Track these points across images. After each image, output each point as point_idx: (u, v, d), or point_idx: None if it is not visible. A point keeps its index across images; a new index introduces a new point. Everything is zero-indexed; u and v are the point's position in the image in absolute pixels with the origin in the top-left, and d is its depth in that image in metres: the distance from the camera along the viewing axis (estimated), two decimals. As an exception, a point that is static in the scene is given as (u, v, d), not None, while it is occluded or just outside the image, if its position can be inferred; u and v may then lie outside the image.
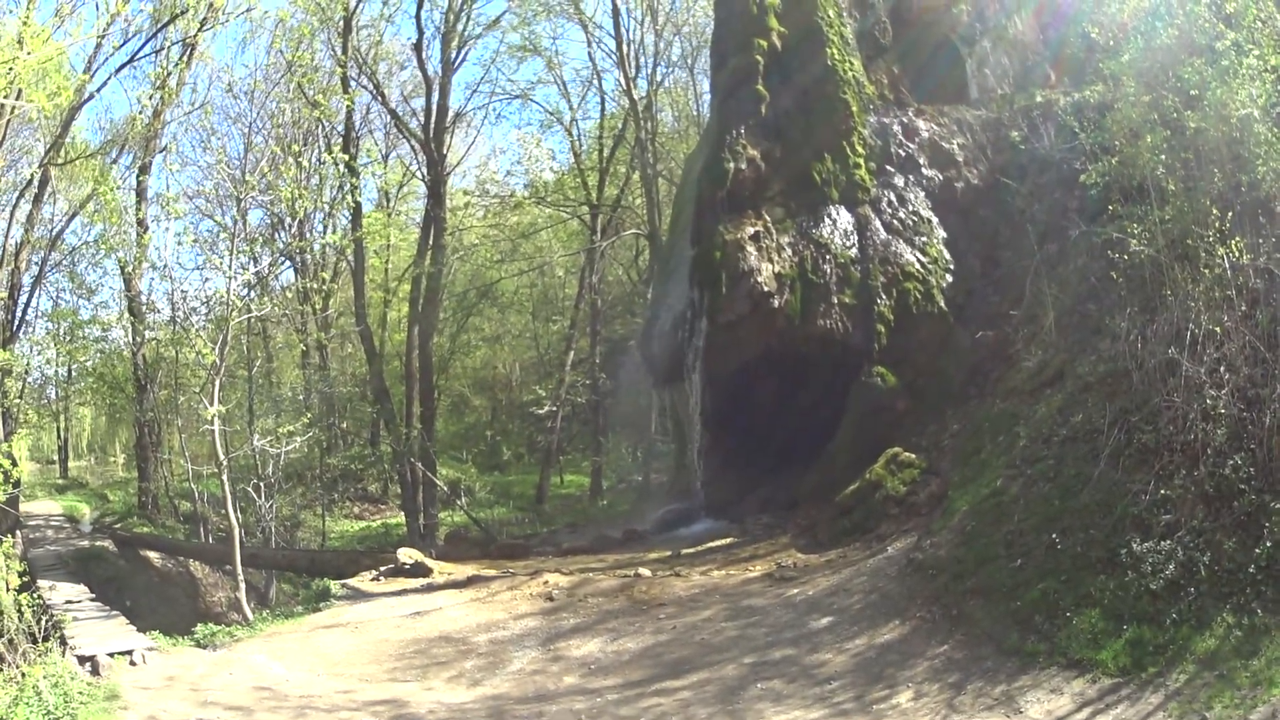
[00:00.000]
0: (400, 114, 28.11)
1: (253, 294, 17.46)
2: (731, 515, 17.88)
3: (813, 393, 17.57)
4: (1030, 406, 13.27)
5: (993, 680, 8.50)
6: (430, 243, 25.48)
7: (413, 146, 28.40)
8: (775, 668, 9.62)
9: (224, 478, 13.91)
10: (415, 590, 13.47)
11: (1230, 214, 10.49)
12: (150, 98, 22.99)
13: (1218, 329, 10.20)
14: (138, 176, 25.06)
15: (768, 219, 18.29)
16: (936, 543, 11.22)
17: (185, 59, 22.72)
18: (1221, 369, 10.14)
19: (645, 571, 14.02)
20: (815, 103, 18.88)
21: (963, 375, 16.63)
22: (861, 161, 18.73)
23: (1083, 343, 13.62)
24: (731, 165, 18.36)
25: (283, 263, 28.08)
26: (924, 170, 19.00)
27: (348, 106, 22.96)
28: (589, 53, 30.85)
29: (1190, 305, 10.73)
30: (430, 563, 14.36)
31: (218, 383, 14.40)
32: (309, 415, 20.51)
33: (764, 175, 18.60)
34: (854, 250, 17.84)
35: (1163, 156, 11.87)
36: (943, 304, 17.26)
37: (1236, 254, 10.23)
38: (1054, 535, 9.84)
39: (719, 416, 18.59)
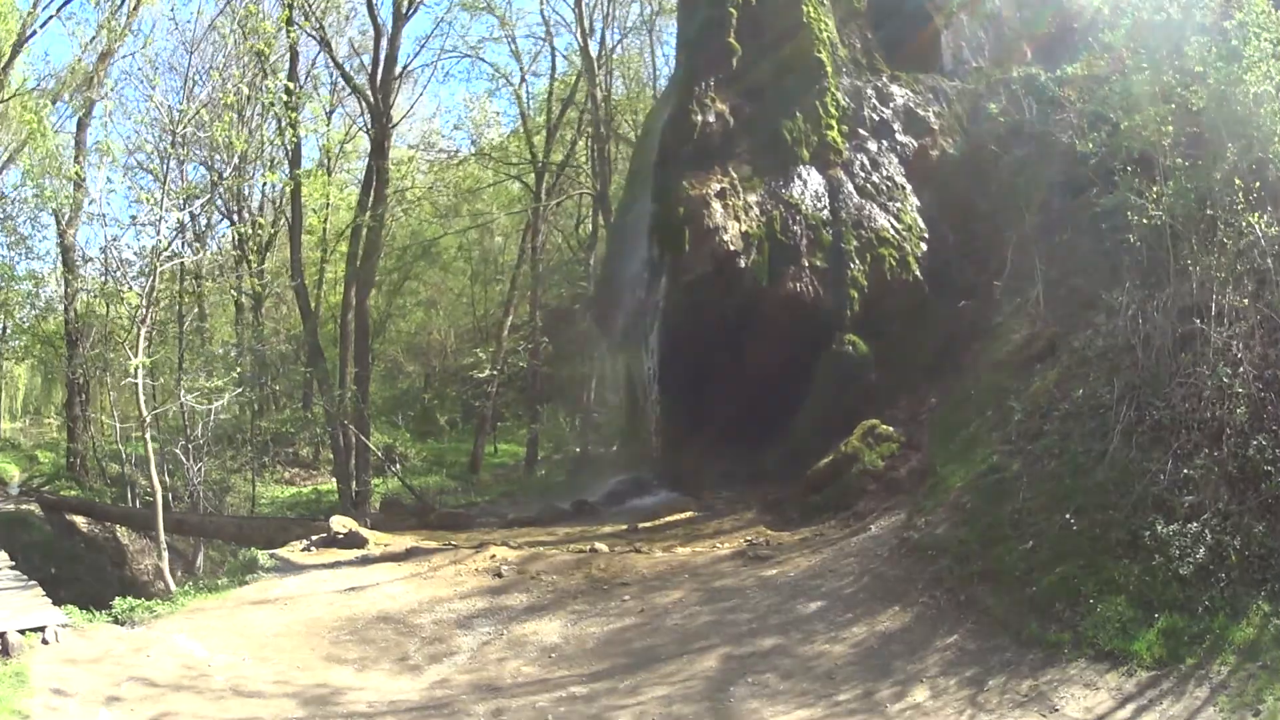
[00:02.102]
0: (346, 69, 26.32)
1: (184, 237, 15.83)
2: (688, 488, 16.84)
3: (778, 360, 16.47)
4: (1020, 381, 12.51)
5: (1016, 674, 7.57)
6: (372, 196, 23.77)
7: (360, 98, 26.40)
8: (765, 660, 8.49)
9: (147, 436, 12.57)
10: (350, 563, 11.97)
11: (1255, 187, 9.81)
12: (93, 39, 20.86)
13: (1241, 303, 9.52)
14: (77, 121, 22.83)
15: (734, 176, 17.17)
16: (932, 521, 10.29)
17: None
18: (1236, 346, 9.47)
19: (602, 546, 12.79)
20: (788, 59, 17.81)
21: (937, 347, 15.88)
22: (834, 123, 17.74)
23: (1073, 317, 12.99)
24: (699, 118, 17.14)
25: (217, 203, 26.08)
26: (898, 136, 18.15)
27: (291, 42, 20.79)
28: (542, 11, 29.07)
29: (1208, 278, 10.06)
30: (365, 532, 12.86)
31: (143, 332, 12.93)
32: (238, 370, 18.90)
33: (732, 131, 17.46)
34: (825, 213, 16.87)
35: (1169, 128, 11.25)
36: (918, 273, 16.42)
37: (1264, 228, 9.52)
38: (1067, 515, 8.99)
39: (676, 382, 17.42)
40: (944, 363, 15.47)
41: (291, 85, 18.22)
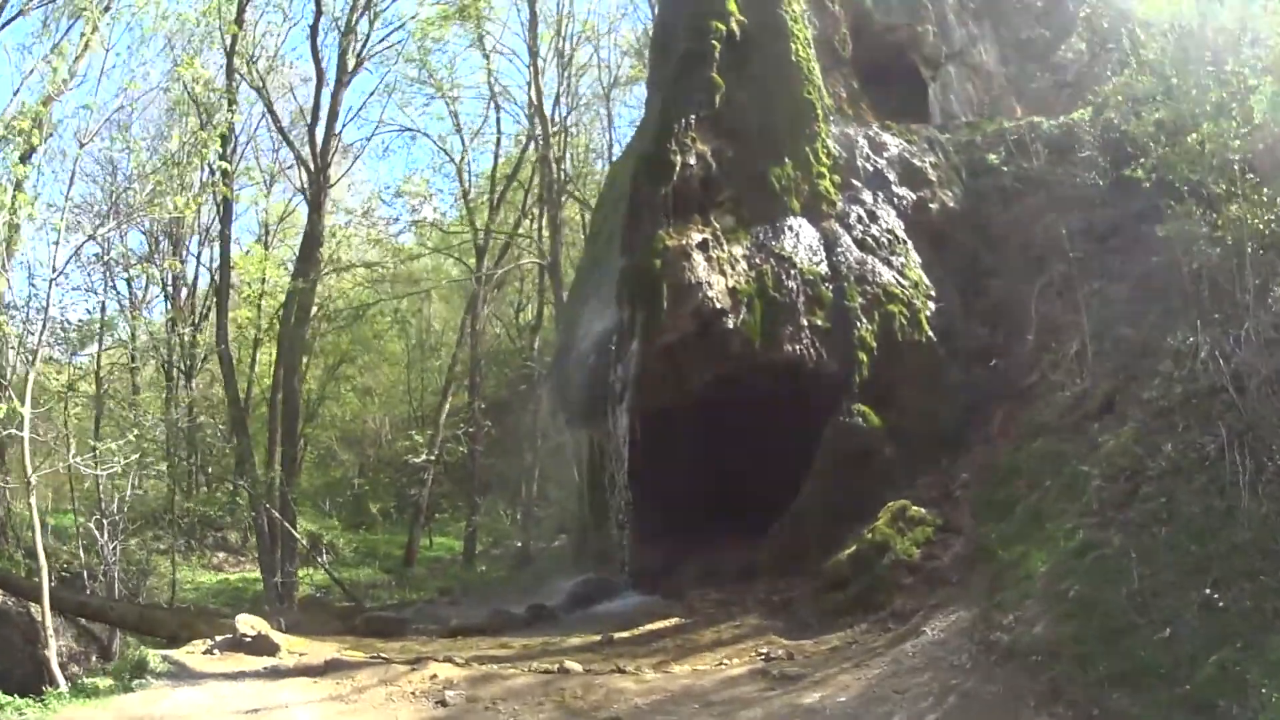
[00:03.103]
0: (289, 136, 26.57)
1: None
2: (665, 589, 14.72)
3: (772, 435, 14.78)
4: (1077, 444, 11.17)
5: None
6: (306, 258, 22.46)
7: (297, 160, 25.68)
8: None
9: (33, 500, 11.20)
10: (255, 674, 9.63)
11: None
12: (31, 71, 19.50)
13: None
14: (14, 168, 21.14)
15: (716, 226, 15.78)
16: (1023, 618, 8.56)
17: (85, 32, 19.12)
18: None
19: (573, 665, 10.56)
20: (776, 101, 16.76)
21: (957, 415, 14.46)
22: (826, 171, 16.70)
23: (1128, 367, 11.88)
24: (678, 159, 15.76)
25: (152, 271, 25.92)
26: (894, 188, 17.18)
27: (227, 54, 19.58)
28: (489, 82, 28.86)
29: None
30: (277, 636, 10.50)
31: (31, 376, 11.78)
32: (136, 434, 17.60)
33: (714, 176, 16.14)
34: (823, 267, 15.55)
35: (1237, 141, 10.59)
36: (930, 333, 15.10)
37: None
38: (1207, 590, 7.43)
39: (650, 464, 15.41)
40: (969, 433, 14.06)
41: (209, 75, 16.83)
